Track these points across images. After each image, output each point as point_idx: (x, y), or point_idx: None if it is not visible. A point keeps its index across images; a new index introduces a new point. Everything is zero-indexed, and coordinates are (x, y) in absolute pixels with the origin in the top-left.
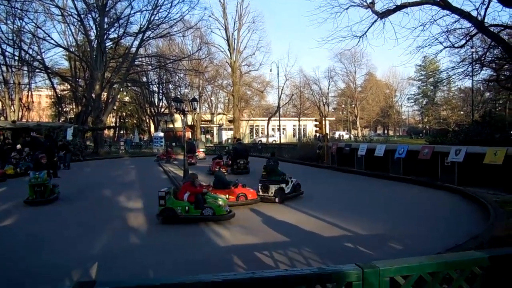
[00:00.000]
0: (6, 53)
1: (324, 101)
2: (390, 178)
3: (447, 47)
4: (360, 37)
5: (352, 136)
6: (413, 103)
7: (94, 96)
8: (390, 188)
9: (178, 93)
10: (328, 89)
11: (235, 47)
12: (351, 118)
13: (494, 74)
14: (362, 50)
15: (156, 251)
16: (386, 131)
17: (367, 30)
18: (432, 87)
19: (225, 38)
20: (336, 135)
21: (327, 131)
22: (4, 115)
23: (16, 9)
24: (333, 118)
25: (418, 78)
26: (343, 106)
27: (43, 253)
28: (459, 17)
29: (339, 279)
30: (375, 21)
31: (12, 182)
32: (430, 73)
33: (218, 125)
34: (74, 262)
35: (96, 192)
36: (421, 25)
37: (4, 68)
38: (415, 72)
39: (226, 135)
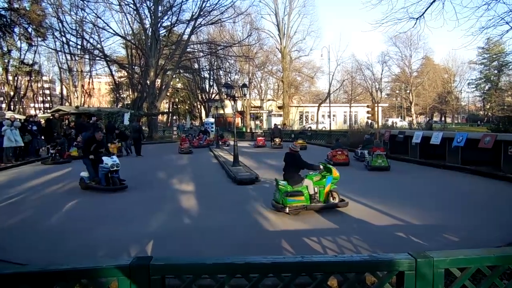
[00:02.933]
0: (70, 43)
1: (377, 86)
2: (447, 167)
3: None
4: (417, 18)
5: (406, 123)
6: (474, 89)
7: (148, 82)
8: (446, 177)
9: (229, 79)
10: (381, 74)
11: (285, 32)
12: (405, 105)
13: None
14: (419, 33)
15: (206, 232)
16: (443, 118)
17: (425, 11)
18: (496, 71)
19: (275, 23)
20: (389, 122)
21: (380, 117)
22: (69, 101)
23: (79, 1)
24: (386, 105)
25: (480, 62)
26: (397, 92)
27: (103, 228)
28: None
29: (390, 267)
30: (434, 1)
31: (76, 163)
32: (494, 56)
33: (267, 111)
34: (132, 238)
35: (151, 175)
36: (485, 4)
37: (68, 57)
38: (477, 55)
39: (276, 121)
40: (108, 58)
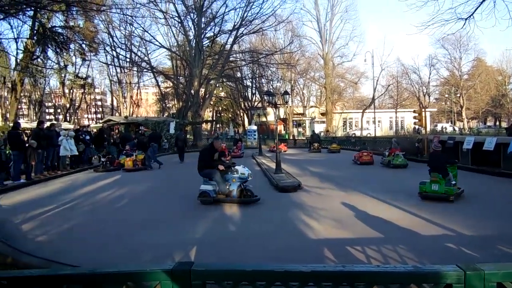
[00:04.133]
0: (120, 56)
1: (424, 91)
2: (502, 174)
3: None
4: (466, 19)
5: (456, 129)
6: None
7: (193, 92)
8: (501, 185)
9: (271, 87)
10: (429, 78)
11: (327, 38)
12: (455, 109)
13: None
14: (469, 34)
15: (247, 239)
16: (498, 123)
17: (475, 10)
18: None
19: (317, 29)
20: (439, 128)
21: (428, 123)
22: (119, 111)
23: (127, 16)
24: (435, 109)
25: None
26: (446, 96)
27: (149, 233)
28: None
29: (437, 279)
30: (484, 0)
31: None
32: None
33: (310, 118)
34: (176, 244)
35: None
36: None
37: (118, 70)
38: None
39: (319, 128)
40: (154, 70)
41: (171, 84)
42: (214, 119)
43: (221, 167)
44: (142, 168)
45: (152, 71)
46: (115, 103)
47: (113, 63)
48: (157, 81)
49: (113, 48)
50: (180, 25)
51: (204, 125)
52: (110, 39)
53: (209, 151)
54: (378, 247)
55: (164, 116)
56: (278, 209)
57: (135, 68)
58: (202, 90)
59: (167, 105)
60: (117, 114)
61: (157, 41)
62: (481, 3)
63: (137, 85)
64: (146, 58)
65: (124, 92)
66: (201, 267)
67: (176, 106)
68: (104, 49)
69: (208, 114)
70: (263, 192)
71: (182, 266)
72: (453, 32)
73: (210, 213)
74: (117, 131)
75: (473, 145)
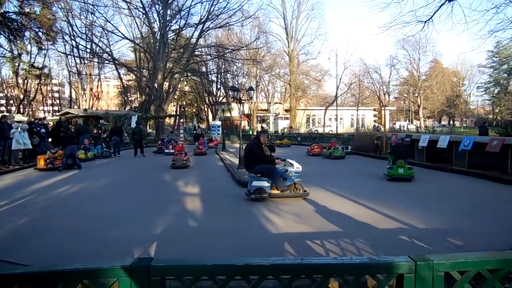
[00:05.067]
0: (80, 46)
1: (385, 90)
2: (454, 171)
3: None
4: (425, 22)
5: (414, 127)
6: (483, 92)
7: (156, 85)
8: (453, 181)
9: (236, 82)
10: (389, 77)
11: (293, 36)
12: (413, 108)
13: None
14: (427, 36)
15: (209, 235)
16: (451, 122)
17: (433, 14)
18: (505, 75)
19: (283, 26)
20: (397, 126)
21: (387, 121)
22: (77, 103)
23: (88, 5)
24: (394, 108)
25: (489, 65)
26: (405, 95)
27: (108, 230)
28: None
29: (390, 270)
30: (443, 4)
31: (83, 165)
32: (503, 60)
33: (274, 114)
34: (135, 240)
35: (155, 176)
36: (494, 7)
37: (77, 60)
38: (487, 58)
39: (282, 124)
40: (116, 62)
41: (134, 77)
42: (178, 113)
43: (278, 162)
44: (55, 168)
45: (114, 63)
46: (73, 95)
47: (72, 53)
48: (119, 73)
49: (72, 38)
50: (144, 16)
51: (167, 120)
52: (70, 28)
53: (259, 147)
54: (336, 240)
55: (126, 109)
56: (240, 205)
57: (95, 59)
58: (166, 84)
59: (129, 99)
60: (75, 106)
61: (120, 32)
62: (440, 7)
63: (97, 77)
64: (107, 49)
65: (84, 84)
66: (160, 263)
67: (138, 99)
68: (63, 38)
69: (171, 108)
70: (226, 188)
71: (140, 262)
72: (413, 34)
73: (171, 208)
74: (75, 124)
75: (428, 143)
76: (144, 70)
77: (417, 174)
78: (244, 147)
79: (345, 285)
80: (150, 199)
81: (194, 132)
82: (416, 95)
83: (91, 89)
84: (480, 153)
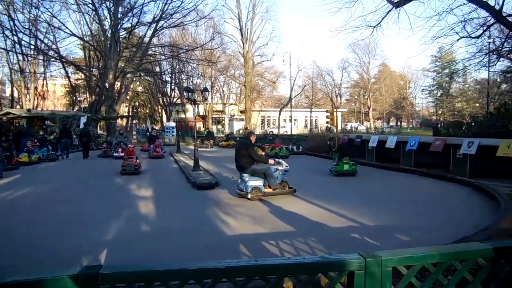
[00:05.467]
0: (22, 42)
1: (337, 92)
2: (401, 170)
3: (463, 37)
4: (374, 27)
5: (364, 128)
6: (427, 95)
7: (107, 85)
8: (400, 180)
9: (191, 83)
10: (341, 80)
11: (248, 37)
12: (363, 110)
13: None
14: (376, 41)
15: (163, 237)
16: (399, 123)
17: (382, 19)
18: (447, 78)
19: (238, 28)
20: (348, 127)
21: (339, 122)
22: (20, 103)
23: None
24: (346, 110)
25: (433, 69)
26: (356, 97)
27: (56, 236)
28: (476, 6)
29: (341, 267)
30: (390, 10)
31: (24, 169)
32: (445, 64)
33: (229, 116)
34: (85, 247)
35: (106, 179)
36: (436, 15)
37: (20, 57)
38: (430, 63)
39: (238, 125)
40: (64, 59)
41: (83, 76)
42: (130, 114)
43: (271, 161)
44: None
45: (61, 61)
46: (15, 94)
47: (13, 50)
48: (66, 72)
49: (14, 33)
50: (94, 13)
51: (119, 121)
52: (11, 22)
53: (253, 147)
54: (291, 240)
55: (75, 110)
56: (195, 207)
57: (40, 57)
58: (117, 84)
59: (78, 99)
60: (18, 106)
61: (67, 28)
62: (387, 13)
63: (43, 75)
64: (54, 46)
65: (27, 82)
66: (109, 270)
67: (88, 99)
68: (3, 33)
69: (123, 109)
70: (181, 190)
71: (88, 270)
72: (363, 38)
73: (123, 212)
74: (18, 125)
75: (377, 143)
76: (94, 69)
77: (366, 173)
78: (235, 149)
79: (299, 284)
80: (100, 204)
81: (148, 133)
82: (366, 97)
83: (35, 88)
84: (425, 152)
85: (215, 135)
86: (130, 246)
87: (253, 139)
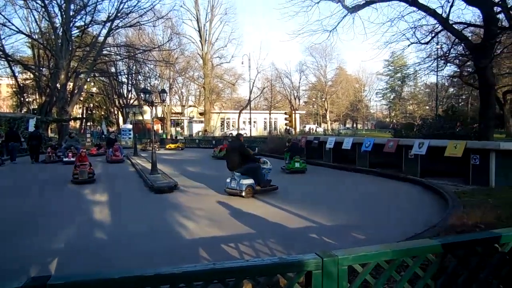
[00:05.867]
0: None
1: (295, 94)
2: (357, 170)
3: (413, 43)
4: (330, 31)
5: (322, 130)
6: (381, 98)
7: (59, 86)
8: (356, 180)
9: (148, 84)
10: (299, 82)
11: (207, 39)
12: (321, 112)
13: (458, 70)
14: (333, 45)
15: (120, 243)
16: (355, 125)
17: (337, 24)
18: (399, 82)
19: (197, 29)
20: (307, 128)
21: (298, 124)
22: None
23: None
24: (304, 112)
25: (386, 73)
26: (313, 99)
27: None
28: (425, 13)
29: (299, 268)
30: (345, 15)
31: None
32: (397, 68)
33: (188, 118)
34: (35, 256)
35: (57, 185)
36: (389, 21)
37: None
38: (384, 67)
39: (197, 127)
40: (10, 58)
41: (32, 76)
42: (85, 116)
43: (261, 161)
44: None
45: (6, 60)
46: None
47: None
48: (13, 71)
49: None
50: (43, 9)
51: (72, 123)
52: None
53: (246, 147)
54: (250, 242)
55: (23, 111)
56: (153, 211)
57: None
58: (70, 84)
59: (27, 100)
60: None
61: (13, 25)
62: (343, 18)
63: None
64: None
65: None
66: (59, 280)
67: (38, 101)
68: None
69: (77, 110)
70: (138, 194)
71: (35, 281)
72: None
73: (76, 219)
74: None
75: (334, 144)
76: (44, 69)
77: (323, 174)
78: (226, 149)
79: (258, 286)
80: (50, 210)
81: (104, 136)
82: (324, 99)
83: None
84: (379, 153)
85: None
86: (83, 255)
87: (242, 139)
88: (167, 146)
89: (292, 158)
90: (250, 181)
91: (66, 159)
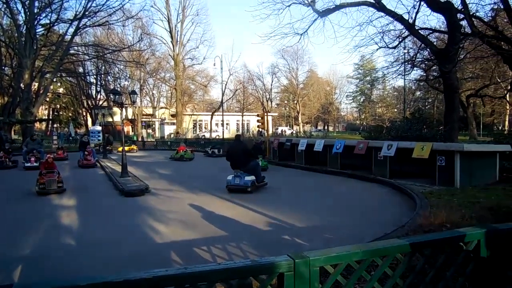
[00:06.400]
0: None
1: (268, 96)
2: (328, 172)
3: (382, 47)
4: (301, 34)
5: (294, 132)
6: (351, 100)
7: (23, 86)
8: (327, 181)
9: (118, 85)
10: (271, 85)
11: (178, 40)
12: (293, 114)
13: (424, 74)
14: (304, 48)
15: (88, 248)
16: (326, 127)
17: (308, 27)
18: (369, 85)
19: (168, 30)
20: (279, 131)
21: (270, 126)
22: None
23: None
24: (276, 114)
25: (356, 77)
26: (285, 102)
27: None
28: (392, 19)
29: (271, 270)
30: (316, 19)
31: None
32: (367, 72)
33: (160, 120)
34: None
35: (22, 189)
36: (358, 25)
37: None
38: (353, 70)
39: (169, 129)
40: None
41: None
42: (51, 117)
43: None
44: None
45: None
46: None
47: None
48: None
49: None
50: (5, 5)
51: (38, 125)
52: None
53: (248, 147)
54: (223, 245)
55: None
56: (124, 215)
57: None
58: (35, 85)
59: None
60: None
61: None
62: (313, 21)
63: None
64: None
65: None
66: None
67: (0, 101)
68: None
69: (43, 112)
70: (108, 198)
71: None
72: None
73: (42, 224)
74: None
75: (306, 146)
76: (7, 68)
77: (296, 176)
78: (229, 150)
79: None
80: (13, 215)
81: (71, 138)
82: (295, 102)
83: None
84: (350, 155)
85: (146, 139)
86: (50, 260)
87: (242, 138)
88: (119, 149)
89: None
90: (252, 177)
91: (28, 164)
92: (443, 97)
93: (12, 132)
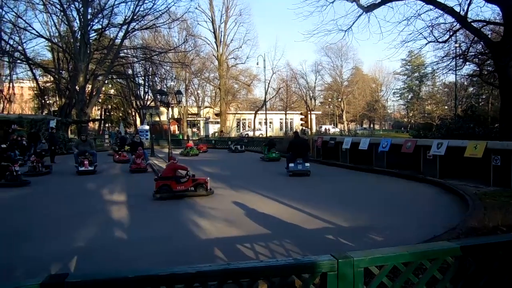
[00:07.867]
0: None
1: (311, 95)
2: (374, 171)
3: (431, 41)
4: (345, 30)
5: (338, 130)
6: (398, 98)
7: (78, 88)
8: (373, 180)
9: (164, 86)
10: (315, 83)
11: (222, 40)
12: (337, 112)
13: (477, 69)
14: (348, 44)
15: (137, 244)
16: (372, 125)
17: (353, 24)
18: (417, 82)
19: (212, 30)
20: (323, 129)
21: (313, 125)
22: None
23: None
24: (320, 112)
25: (403, 73)
26: (329, 100)
27: (21, 246)
28: (442, 12)
29: (314, 269)
30: (360, 15)
31: None
32: (415, 68)
33: (204, 119)
34: (54, 256)
35: (78, 185)
36: (405, 20)
37: None
38: (401, 66)
39: (213, 128)
40: (31, 61)
41: (52, 79)
42: (103, 118)
43: None
44: None
45: (28, 63)
46: None
47: None
48: (34, 74)
49: None
50: (62, 13)
51: (91, 124)
52: None
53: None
54: (266, 243)
55: (44, 113)
56: (170, 212)
57: (5, 58)
58: (88, 87)
59: (47, 102)
60: None
61: (33, 29)
62: (358, 17)
63: (8, 77)
64: (20, 48)
65: None
66: (76, 278)
67: (58, 103)
68: None
69: (96, 112)
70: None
71: (54, 279)
72: (335, 42)
73: (95, 218)
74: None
75: (350, 145)
76: (64, 72)
77: (340, 174)
78: (293, 143)
79: (272, 287)
80: (70, 211)
81: (119, 137)
82: (340, 100)
83: (1, 91)
84: (397, 154)
85: (191, 138)
86: (103, 253)
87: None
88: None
89: (270, 150)
90: (308, 165)
91: (82, 168)
92: (499, 93)
93: (69, 132)
